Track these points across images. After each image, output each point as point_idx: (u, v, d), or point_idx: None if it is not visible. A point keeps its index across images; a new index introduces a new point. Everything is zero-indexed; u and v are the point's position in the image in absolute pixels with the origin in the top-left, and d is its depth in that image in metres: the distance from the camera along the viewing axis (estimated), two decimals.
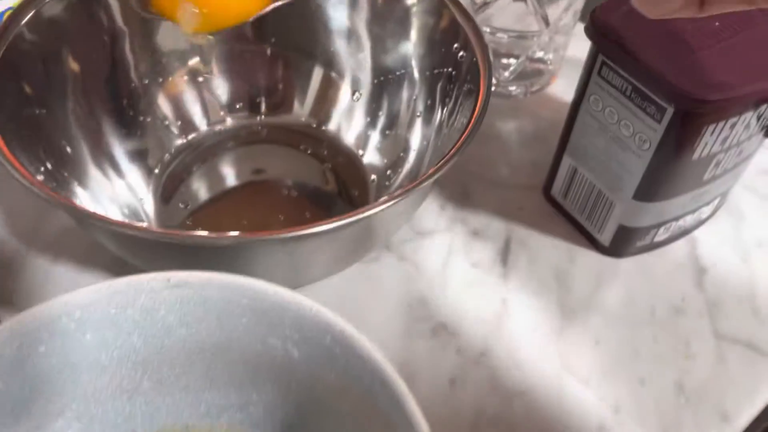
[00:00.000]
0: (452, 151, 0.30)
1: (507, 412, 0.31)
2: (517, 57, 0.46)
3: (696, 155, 0.32)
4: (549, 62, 0.47)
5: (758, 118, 0.32)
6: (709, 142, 0.31)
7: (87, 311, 0.24)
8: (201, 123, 0.43)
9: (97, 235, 0.32)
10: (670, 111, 0.30)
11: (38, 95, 0.34)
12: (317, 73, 0.43)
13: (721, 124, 0.31)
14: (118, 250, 0.32)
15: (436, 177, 0.29)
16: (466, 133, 0.31)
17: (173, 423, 0.27)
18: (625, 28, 0.31)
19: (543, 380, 0.33)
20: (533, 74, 0.47)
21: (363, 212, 0.28)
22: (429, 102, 0.39)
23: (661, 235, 0.37)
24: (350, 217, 0.27)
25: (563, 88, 0.47)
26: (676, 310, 0.36)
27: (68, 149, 0.35)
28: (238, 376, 0.26)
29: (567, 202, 0.39)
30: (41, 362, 0.23)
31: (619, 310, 0.36)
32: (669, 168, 0.32)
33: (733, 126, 0.31)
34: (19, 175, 0.28)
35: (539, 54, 0.46)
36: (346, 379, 0.24)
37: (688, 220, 0.37)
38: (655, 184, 0.33)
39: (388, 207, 0.28)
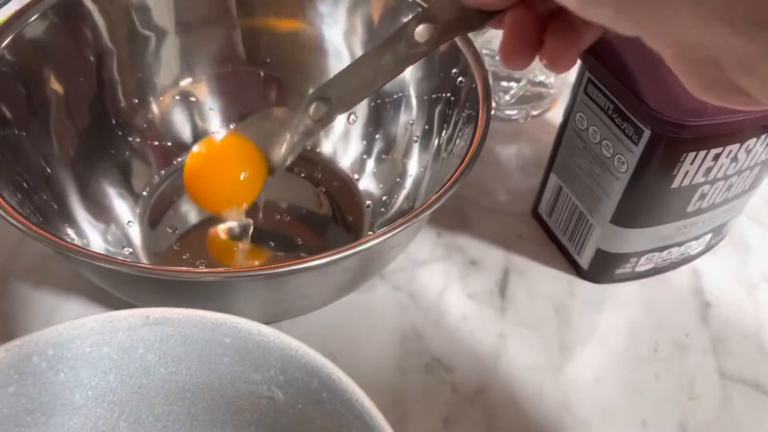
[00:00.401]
0: (451, 180, 0.29)
1: None
2: (518, 80, 0.45)
3: (676, 184, 0.31)
4: (550, 86, 0.46)
5: (747, 153, 0.31)
6: (690, 171, 0.30)
7: (60, 350, 0.23)
8: (191, 144, 0.42)
9: (77, 267, 0.31)
10: (647, 133, 0.29)
11: (18, 117, 0.33)
12: None
13: (702, 153, 0.30)
14: (100, 283, 0.31)
15: (435, 208, 0.28)
16: (465, 161, 0.30)
17: None
18: (614, 46, 0.30)
19: (541, 421, 0.31)
20: (534, 98, 0.46)
21: (355, 246, 0.26)
22: (427, 127, 0.38)
23: (643, 264, 0.36)
24: (342, 252, 0.26)
25: None
26: (679, 346, 0.34)
27: (48, 170, 0.34)
28: (220, 417, 0.25)
29: (551, 220, 0.38)
30: (10, 402, 0.22)
31: (620, 345, 0.35)
32: (647, 194, 0.31)
33: (716, 157, 0.30)
34: None
35: (540, 78, 0.45)
36: (333, 425, 0.23)
37: (674, 253, 0.36)
38: (632, 210, 0.33)
39: (384, 240, 0.27)
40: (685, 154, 0.30)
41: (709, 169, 0.31)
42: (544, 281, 0.37)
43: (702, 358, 0.34)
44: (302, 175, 0.42)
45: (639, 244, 0.34)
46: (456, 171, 0.30)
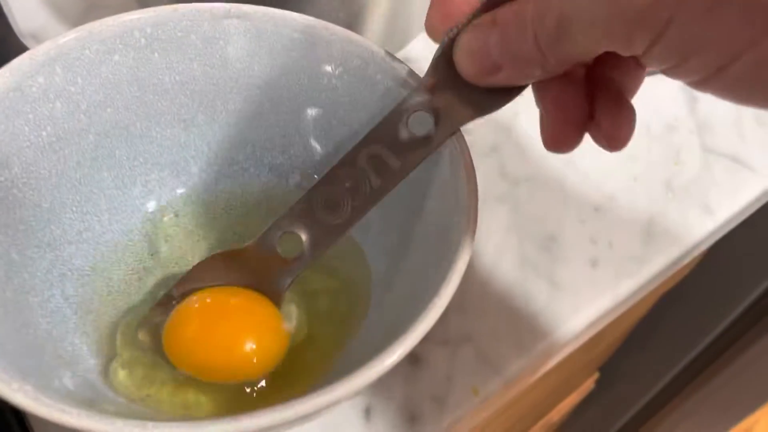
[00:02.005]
0: None
1: (513, 193, 0.35)
2: None
3: None
4: None
5: None
6: None
7: (156, 30, 0.27)
8: None
9: None
10: None
11: None
12: None
13: None
14: None
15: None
16: None
17: (221, 161, 0.30)
18: None
19: (548, 171, 0.36)
20: None
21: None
22: None
23: None
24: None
25: None
26: (668, 126, 0.39)
27: None
28: (283, 115, 0.29)
29: None
30: (115, 70, 0.26)
31: None
32: None
33: None
34: None
35: None
36: (385, 106, 0.27)
37: None
38: None
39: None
40: None
41: None
42: None
43: (688, 136, 0.39)
44: None
45: None
46: None
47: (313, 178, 0.30)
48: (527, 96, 0.40)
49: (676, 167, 0.37)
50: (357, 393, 0.19)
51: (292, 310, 0.27)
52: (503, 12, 0.20)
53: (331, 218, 0.24)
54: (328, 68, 0.28)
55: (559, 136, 0.22)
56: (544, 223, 0.34)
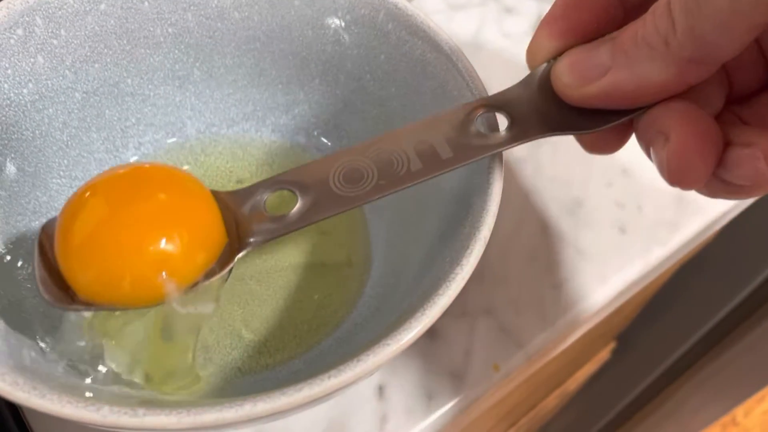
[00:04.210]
0: None
1: (534, 154, 0.33)
2: None
3: None
4: None
5: None
6: None
7: None
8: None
9: None
10: None
11: None
12: None
13: None
14: None
15: None
16: None
17: (220, 122, 0.28)
18: None
19: None
20: None
21: None
22: None
23: None
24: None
25: None
26: None
27: None
28: (286, 71, 0.27)
29: None
30: (101, 21, 0.24)
31: None
32: None
33: None
34: None
35: None
36: (396, 57, 0.25)
37: None
38: None
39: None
40: None
41: None
42: None
43: None
44: None
45: None
46: None
47: (320, 140, 0.28)
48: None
49: None
50: (371, 373, 0.17)
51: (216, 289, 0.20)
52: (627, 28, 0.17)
53: (344, 188, 0.20)
54: (334, 18, 0.25)
55: (691, 170, 0.17)
56: (568, 186, 0.32)
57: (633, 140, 0.34)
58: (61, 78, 0.24)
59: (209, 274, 0.20)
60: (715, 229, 0.33)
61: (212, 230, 0.20)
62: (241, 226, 0.20)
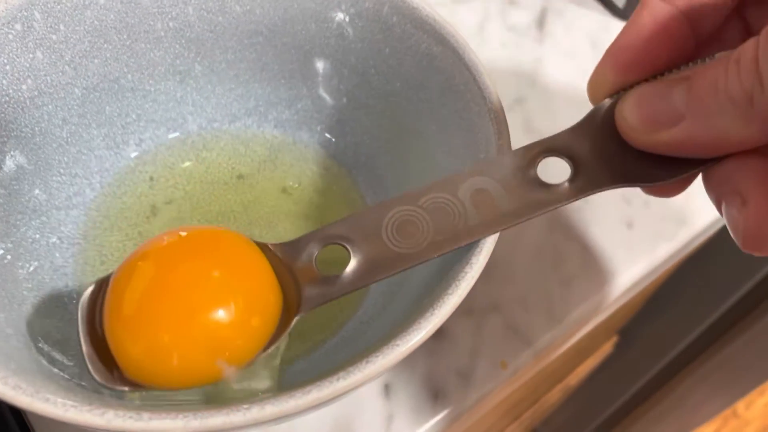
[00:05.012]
0: None
1: None
2: None
3: None
4: None
5: None
6: None
7: None
8: None
9: None
10: None
11: None
12: None
13: None
14: None
15: None
16: None
17: (221, 117, 0.28)
18: None
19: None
20: None
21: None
22: None
23: None
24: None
25: None
26: None
27: None
28: (288, 66, 0.27)
29: None
30: (100, 15, 0.24)
31: None
32: None
33: None
34: None
35: None
36: (401, 51, 0.24)
37: None
38: None
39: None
40: None
41: None
42: (580, 18, 0.38)
43: None
44: None
45: None
46: None
47: (323, 135, 0.28)
48: (552, 39, 0.37)
49: None
50: (380, 375, 0.17)
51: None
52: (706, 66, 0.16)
53: (399, 244, 0.18)
54: (338, 11, 0.25)
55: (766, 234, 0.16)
56: None
57: None
58: (60, 74, 0.23)
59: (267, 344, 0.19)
60: (720, 225, 0.33)
61: (269, 298, 0.19)
62: (293, 286, 0.19)
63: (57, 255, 0.24)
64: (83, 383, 0.20)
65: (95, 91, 0.25)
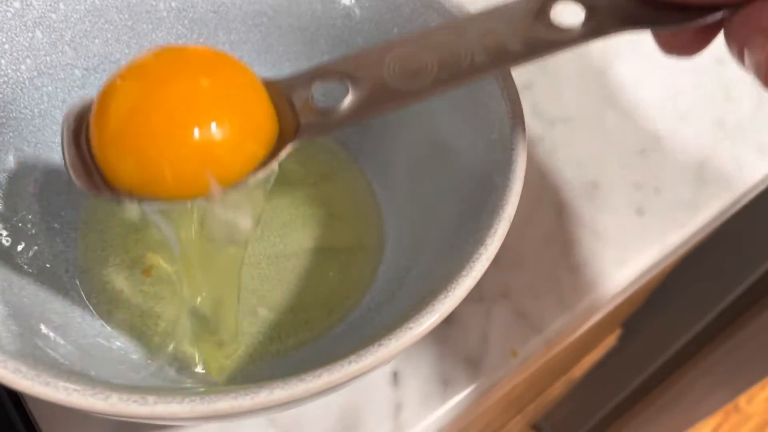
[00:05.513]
0: None
1: (549, 134, 0.32)
2: None
3: None
4: None
5: None
6: None
7: None
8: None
9: None
10: None
11: None
12: None
13: None
14: None
15: None
16: None
17: None
18: None
19: (587, 110, 0.33)
20: None
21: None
22: None
23: None
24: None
25: None
26: (718, 60, 0.36)
27: None
28: (293, 48, 0.26)
29: None
30: None
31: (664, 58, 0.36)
32: None
33: None
34: None
35: None
36: (411, 27, 0.24)
37: None
38: None
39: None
40: None
41: None
42: None
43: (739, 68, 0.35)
44: None
45: None
46: None
47: None
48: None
49: (728, 104, 0.34)
50: (392, 358, 0.16)
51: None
52: None
53: (401, 81, 0.18)
54: None
55: None
56: (583, 167, 0.31)
57: (643, 120, 0.33)
58: (60, 54, 0.23)
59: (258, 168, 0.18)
60: (735, 210, 0.33)
61: (263, 119, 0.18)
62: (290, 116, 0.19)
63: (58, 240, 0.23)
64: (86, 371, 0.19)
65: (96, 72, 0.24)
